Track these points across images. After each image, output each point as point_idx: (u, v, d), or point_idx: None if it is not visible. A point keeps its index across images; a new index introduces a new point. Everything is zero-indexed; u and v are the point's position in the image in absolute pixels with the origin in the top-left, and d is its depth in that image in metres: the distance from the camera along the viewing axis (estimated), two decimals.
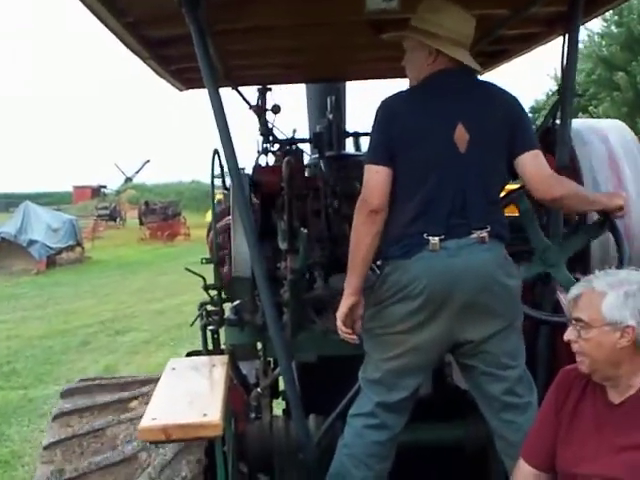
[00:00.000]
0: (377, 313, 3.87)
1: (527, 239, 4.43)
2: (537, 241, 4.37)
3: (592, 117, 41.28)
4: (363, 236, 3.78)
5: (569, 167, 4.66)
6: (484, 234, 3.66)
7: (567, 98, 4.61)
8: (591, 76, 43.37)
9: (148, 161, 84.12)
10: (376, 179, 3.76)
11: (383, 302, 3.81)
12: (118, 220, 55.54)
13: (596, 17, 5.06)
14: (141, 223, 46.47)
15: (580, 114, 42.59)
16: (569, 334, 3.14)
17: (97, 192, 73.95)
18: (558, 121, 4.75)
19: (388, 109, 3.85)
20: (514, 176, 3.94)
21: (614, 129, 5.42)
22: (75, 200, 75.74)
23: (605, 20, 42.82)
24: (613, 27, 42.17)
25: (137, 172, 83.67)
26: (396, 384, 3.88)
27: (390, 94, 3.91)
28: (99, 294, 22.57)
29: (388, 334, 3.83)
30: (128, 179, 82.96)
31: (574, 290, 3.17)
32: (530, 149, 3.77)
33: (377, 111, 3.89)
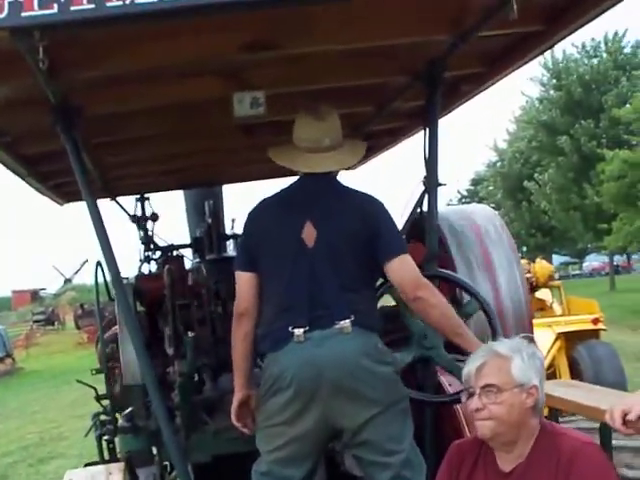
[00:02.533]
0: (261, 406, 4.20)
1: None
2: (415, 327, 4.68)
3: (538, 184, 42.25)
4: (235, 338, 4.25)
5: (439, 254, 5.07)
6: (347, 324, 3.92)
7: (432, 188, 5.02)
8: (532, 142, 44.39)
9: (86, 261, 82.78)
10: (240, 284, 4.25)
11: (264, 395, 4.13)
12: (56, 324, 54.95)
13: (453, 110, 5.56)
14: (77, 327, 45.97)
15: (526, 182, 43.57)
16: (475, 403, 3.29)
17: (36, 296, 73.40)
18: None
19: (250, 217, 4.32)
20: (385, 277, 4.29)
21: (482, 215, 5.95)
22: (15, 305, 75.37)
23: (543, 85, 44.03)
24: (552, 91, 43.21)
25: (76, 273, 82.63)
26: (282, 475, 4.10)
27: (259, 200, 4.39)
28: (27, 412, 21.75)
29: (270, 426, 4.12)
30: (67, 280, 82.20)
31: (475, 361, 3.37)
32: (394, 255, 4.06)
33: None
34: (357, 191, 4.28)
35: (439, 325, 4.21)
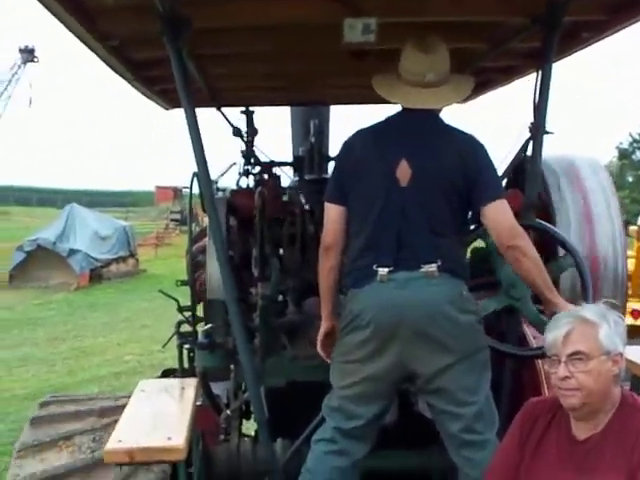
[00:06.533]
0: (338, 341, 4.56)
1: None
2: (504, 275, 4.88)
3: None
4: (321, 269, 4.62)
5: (537, 204, 5.29)
6: (433, 268, 4.21)
7: (538, 135, 5.21)
8: None
9: (234, 164, 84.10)
10: (328, 216, 4.57)
11: (342, 330, 4.48)
12: (195, 225, 55.89)
13: (569, 56, 5.72)
14: None
15: None
16: (562, 371, 3.48)
17: (179, 193, 75.20)
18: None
19: (345, 147, 4.61)
20: (478, 221, 4.54)
21: (588, 166, 6.12)
22: (157, 201, 77.82)
23: None
24: None
25: (222, 175, 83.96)
26: (352, 412, 4.43)
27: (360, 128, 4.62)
28: (135, 325, 21.67)
29: (345, 362, 4.47)
30: (213, 182, 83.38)
31: (562, 327, 3.53)
32: (491, 200, 4.28)
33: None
34: (458, 130, 4.48)
35: (529, 275, 4.38)
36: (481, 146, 4.46)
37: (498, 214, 4.30)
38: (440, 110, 4.62)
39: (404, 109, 4.55)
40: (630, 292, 14.28)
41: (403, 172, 4.33)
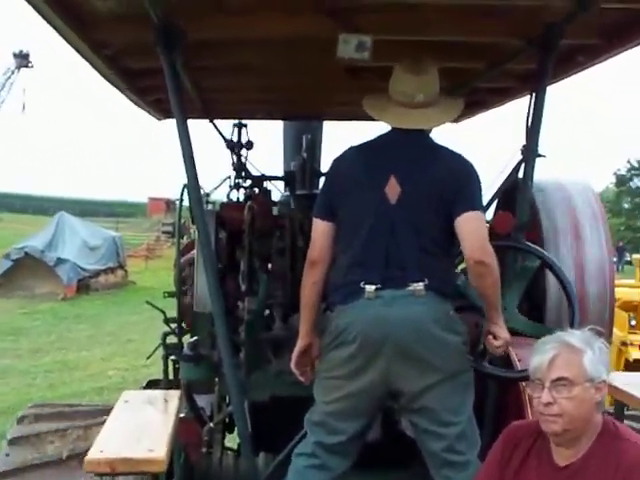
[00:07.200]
0: (323, 357, 4.59)
1: None
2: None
3: None
4: (305, 284, 4.64)
5: (528, 225, 5.30)
6: (420, 287, 4.25)
7: (529, 158, 5.26)
8: None
9: (228, 177, 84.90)
10: (316, 232, 4.61)
11: (327, 346, 4.52)
12: (185, 238, 56.19)
13: (563, 79, 5.80)
14: None
15: None
16: (546, 397, 3.48)
17: (172, 205, 75.55)
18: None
19: (334, 164, 4.68)
20: None
21: (579, 189, 6.21)
22: (150, 212, 78.04)
23: None
24: None
25: (216, 188, 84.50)
26: (335, 427, 4.50)
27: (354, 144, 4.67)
28: (121, 339, 21.40)
29: (329, 378, 4.51)
30: (206, 194, 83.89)
31: (548, 352, 3.53)
32: (468, 210, 4.31)
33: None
34: (448, 149, 4.54)
35: (487, 292, 4.42)
36: (470, 165, 4.52)
37: (471, 224, 4.33)
38: (430, 130, 4.75)
39: (394, 128, 4.60)
40: (634, 323, 14.33)
41: (392, 189, 4.37)
